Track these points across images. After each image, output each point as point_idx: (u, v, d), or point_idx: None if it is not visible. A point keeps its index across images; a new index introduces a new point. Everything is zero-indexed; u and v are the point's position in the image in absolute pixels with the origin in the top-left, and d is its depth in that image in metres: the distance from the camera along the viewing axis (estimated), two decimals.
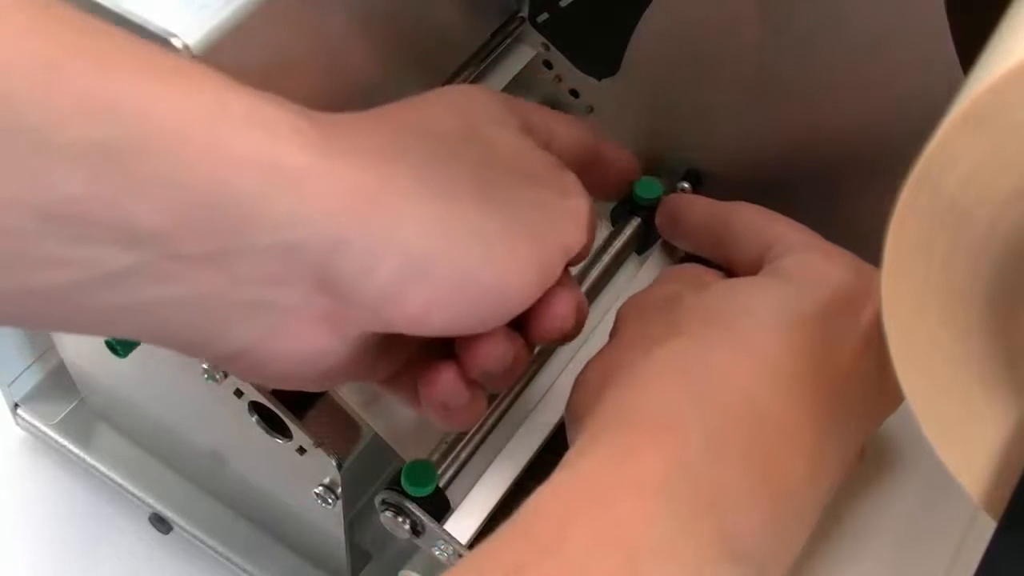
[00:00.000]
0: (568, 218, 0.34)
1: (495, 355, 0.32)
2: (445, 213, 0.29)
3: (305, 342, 0.29)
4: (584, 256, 0.35)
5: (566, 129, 0.38)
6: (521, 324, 0.33)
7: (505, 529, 0.28)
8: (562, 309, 0.33)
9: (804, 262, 0.35)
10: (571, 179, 0.35)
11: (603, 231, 0.42)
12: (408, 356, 0.34)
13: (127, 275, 0.26)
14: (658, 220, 0.42)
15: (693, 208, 0.40)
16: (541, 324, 0.33)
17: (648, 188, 0.43)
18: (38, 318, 0.27)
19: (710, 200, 0.40)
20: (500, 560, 0.27)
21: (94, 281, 0.26)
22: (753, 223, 0.37)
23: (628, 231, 0.43)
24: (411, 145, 0.31)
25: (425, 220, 0.29)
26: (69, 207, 0.24)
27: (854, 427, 0.33)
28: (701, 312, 0.34)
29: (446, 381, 0.33)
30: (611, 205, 0.45)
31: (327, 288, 0.28)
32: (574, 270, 0.36)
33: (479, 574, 0.27)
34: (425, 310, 0.29)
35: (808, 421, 0.31)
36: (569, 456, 0.30)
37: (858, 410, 0.33)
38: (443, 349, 0.33)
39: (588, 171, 0.38)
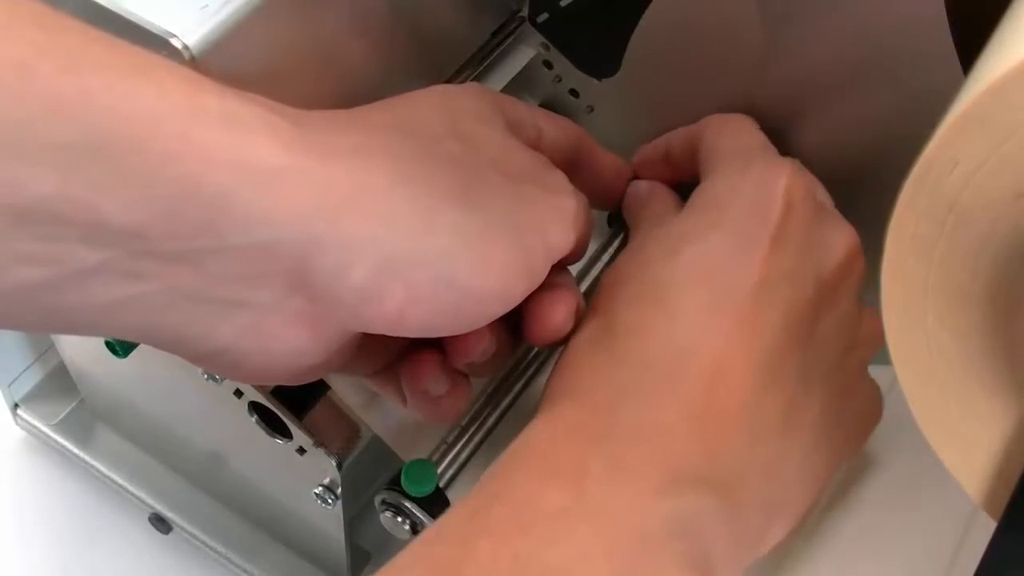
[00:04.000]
0: (554, 216, 0.33)
1: (479, 347, 0.33)
2: (422, 212, 0.29)
3: (282, 341, 0.29)
4: (577, 256, 0.35)
5: (553, 126, 0.38)
6: (513, 317, 0.33)
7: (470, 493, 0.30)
8: (558, 316, 0.33)
9: (714, 187, 0.35)
10: (559, 177, 0.35)
11: (601, 237, 0.42)
12: (392, 354, 0.34)
13: (99, 272, 0.26)
14: (644, 166, 0.41)
15: (676, 137, 0.40)
16: (537, 329, 0.33)
17: None
18: (15, 318, 0.27)
19: (687, 127, 0.40)
20: (457, 512, 0.29)
21: (66, 279, 0.25)
22: (706, 141, 0.38)
23: (624, 235, 0.43)
24: (390, 143, 0.30)
25: (401, 220, 0.29)
26: (40, 206, 0.24)
27: (797, 327, 0.32)
28: (607, 288, 0.34)
29: (428, 368, 0.33)
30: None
31: (302, 287, 0.28)
32: (573, 271, 0.36)
33: (440, 525, 0.28)
34: (401, 311, 0.29)
35: (728, 339, 0.31)
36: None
37: (792, 306, 0.32)
38: (428, 344, 0.33)
39: (577, 172, 0.38)
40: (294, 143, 0.27)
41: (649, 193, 0.39)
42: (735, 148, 0.37)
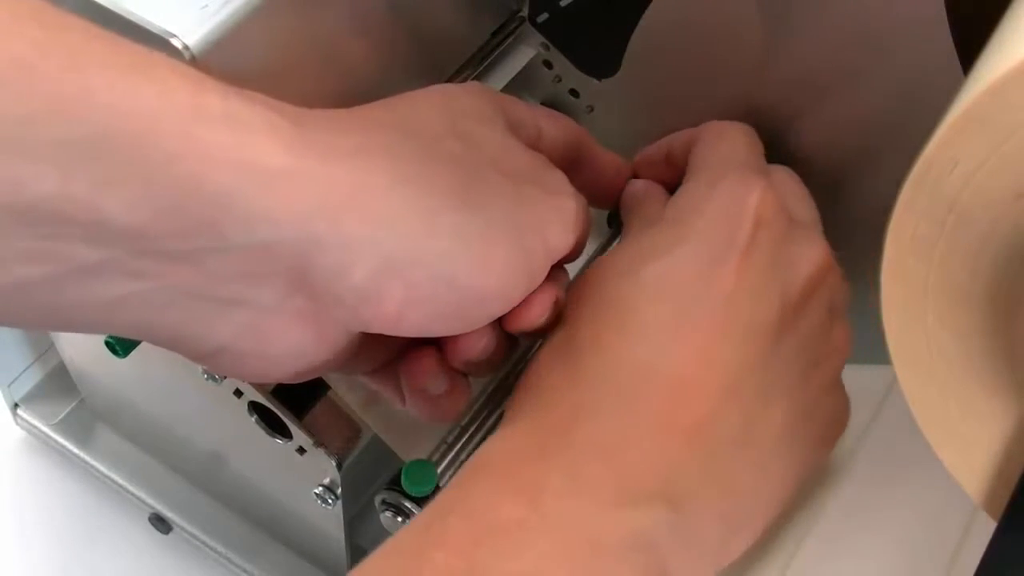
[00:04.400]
0: (554, 217, 0.33)
1: (477, 346, 0.33)
2: (422, 213, 0.29)
3: (282, 340, 0.29)
4: (575, 256, 0.35)
5: (553, 125, 0.38)
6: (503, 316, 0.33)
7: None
8: (534, 309, 0.33)
9: (685, 199, 0.34)
10: (558, 177, 0.35)
11: (601, 237, 0.42)
12: (392, 352, 0.34)
13: (100, 271, 0.26)
14: (645, 165, 0.40)
15: (678, 139, 0.39)
16: (513, 316, 0.33)
17: None
18: (14, 315, 0.27)
19: (690, 130, 0.39)
20: (414, 525, 0.29)
21: (67, 277, 0.25)
22: (697, 147, 0.37)
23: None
24: (391, 143, 0.30)
25: (401, 220, 0.29)
26: (42, 204, 0.24)
27: (760, 344, 0.32)
28: (575, 299, 0.34)
29: (427, 366, 0.33)
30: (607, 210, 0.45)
31: (303, 287, 0.28)
32: (571, 270, 0.36)
33: (397, 538, 0.28)
34: (400, 311, 0.29)
35: (689, 357, 0.31)
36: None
37: (755, 323, 0.32)
38: (427, 343, 0.33)
39: (577, 171, 0.38)
40: (295, 143, 0.27)
41: (644, 193, 0.39)
42: (716, 159, 0.36)
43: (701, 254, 0.32)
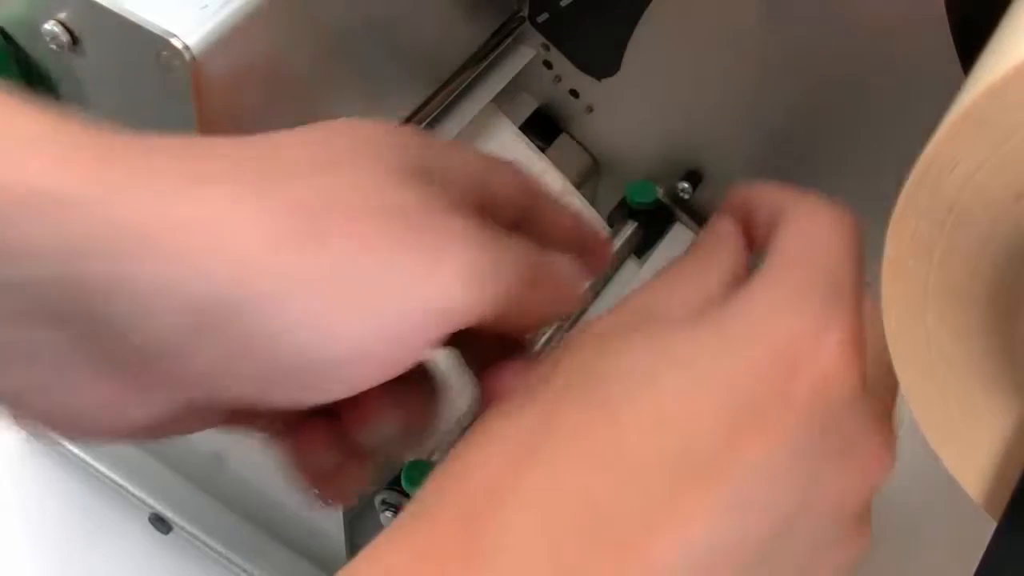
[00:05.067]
0: (439, 270, 0.25)
1: (372, 423, 0.27)
2: (248, 251, 0.23)
3: (85, 395, 0.24)
4: (508, 320, 0.27)
5: (498, 176, 0.30)
6: (466, 342, 0.28)
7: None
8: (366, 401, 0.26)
9: (747, 297, 0.26)
10: (458, 223, 0.26)
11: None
12: (280, 416, 0.28)
13: None
14: (728, 215, 0.30)
15: (763, 203, 0.30)
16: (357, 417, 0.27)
17: (643, 192, 0.43)
18: None
19: (780, 191, 0.30)
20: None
21: None
22: (781, 225, 0.28)
23: (624, 236, 0.43)
24: (236, 172, 0.25)
25: (217, 260, 0.23)
26: None
27: (764, 538, 0.24)
28: (582, 327, 0.27)
29: (309, 439, 0.28)
30: (608, 210, 0.45)
31: (94, 334, 0.23)
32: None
33: None
34: (213, 371, 0.24)
35: (678, 529, 0.23)
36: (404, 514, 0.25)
37: (768, 508, 0.24)
38: (324, 411, 0.27)
39: (533, 223, 0.31)
40: (93, 171, 0.23)
41: (727, 237, 0.30)
42: (802, 261, 0.27)
43: (735, 396, 0.24)
